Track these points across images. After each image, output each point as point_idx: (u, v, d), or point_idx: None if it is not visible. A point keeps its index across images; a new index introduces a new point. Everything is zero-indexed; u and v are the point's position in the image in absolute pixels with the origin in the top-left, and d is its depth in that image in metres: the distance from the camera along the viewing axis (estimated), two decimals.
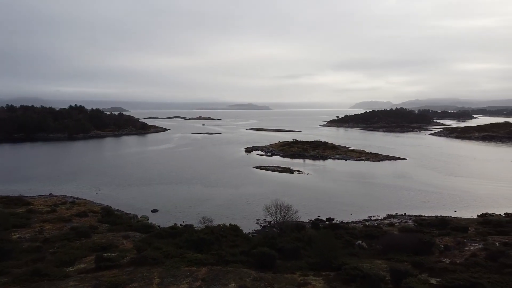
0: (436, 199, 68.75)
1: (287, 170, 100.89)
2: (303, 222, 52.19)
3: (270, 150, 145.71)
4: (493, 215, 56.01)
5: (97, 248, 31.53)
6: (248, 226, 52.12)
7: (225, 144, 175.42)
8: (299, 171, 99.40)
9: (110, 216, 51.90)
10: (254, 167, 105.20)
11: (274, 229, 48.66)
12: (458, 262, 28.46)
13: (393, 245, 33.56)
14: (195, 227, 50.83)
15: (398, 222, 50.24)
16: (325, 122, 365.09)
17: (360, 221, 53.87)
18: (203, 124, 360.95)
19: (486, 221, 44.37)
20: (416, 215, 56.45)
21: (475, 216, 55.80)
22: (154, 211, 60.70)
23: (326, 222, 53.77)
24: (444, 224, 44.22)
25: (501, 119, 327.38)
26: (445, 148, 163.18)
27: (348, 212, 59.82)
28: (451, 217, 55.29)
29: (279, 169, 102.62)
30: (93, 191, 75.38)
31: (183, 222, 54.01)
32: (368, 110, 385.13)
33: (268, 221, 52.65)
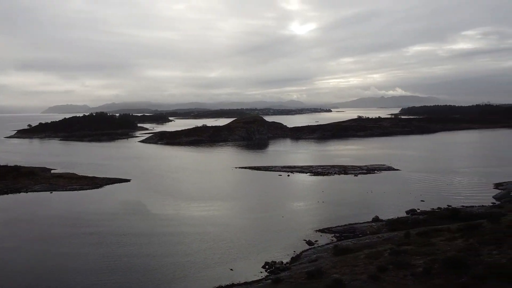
0: (199, 249, 51.57)
1: None
2: None
3: None
4: (277, 264, 43.99)
5: None
6: None
7: None
8: None
9: None
10: None
11: None
12: None
13: None
14: None
15: None
16: (14, 133, 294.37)
17: None
18: None
19: None
20: None
21: (262, 273, 42.03)
22: None
23: None
24: None
25: (198, 121, 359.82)
26: (163, 158, 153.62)
27: None
28: (234, 285, 39.51)
29: None
30: None
31: None
32: (67, 116, 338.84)
33: None
